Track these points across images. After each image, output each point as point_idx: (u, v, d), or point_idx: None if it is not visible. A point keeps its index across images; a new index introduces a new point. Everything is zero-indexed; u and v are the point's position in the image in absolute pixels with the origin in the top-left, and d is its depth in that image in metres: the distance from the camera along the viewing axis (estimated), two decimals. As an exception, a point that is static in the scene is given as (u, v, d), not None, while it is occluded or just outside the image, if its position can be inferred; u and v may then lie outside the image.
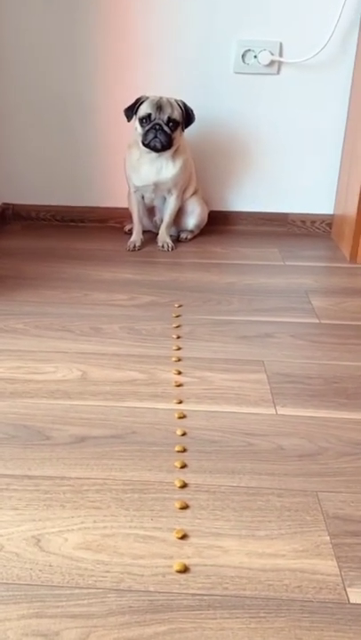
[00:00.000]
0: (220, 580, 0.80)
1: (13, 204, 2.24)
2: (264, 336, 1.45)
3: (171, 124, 1.82)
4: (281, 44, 1.99)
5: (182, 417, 1.14)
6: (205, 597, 0.77)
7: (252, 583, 0.79)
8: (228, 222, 2.23)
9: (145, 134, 1.83)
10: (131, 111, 1.85)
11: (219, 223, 2.21)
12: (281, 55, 2.00)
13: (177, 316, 1.54)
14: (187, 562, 0.82)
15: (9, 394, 1.20)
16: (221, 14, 1.96)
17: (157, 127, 1.81)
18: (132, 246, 2.00)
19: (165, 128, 1.82)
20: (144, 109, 1.83)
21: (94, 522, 0.89)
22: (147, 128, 1.83)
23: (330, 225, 2.20)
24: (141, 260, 1.94)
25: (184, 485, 0.96)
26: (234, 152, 2.14)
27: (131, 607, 0.76)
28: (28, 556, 0.83)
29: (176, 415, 1.14)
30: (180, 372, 1.28)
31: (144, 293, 1.67)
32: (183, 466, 1.00)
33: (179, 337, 1.43)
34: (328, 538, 0.87)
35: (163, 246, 2.00)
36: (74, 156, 2.17)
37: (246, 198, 2.20)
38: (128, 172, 1.96)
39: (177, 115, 1.83)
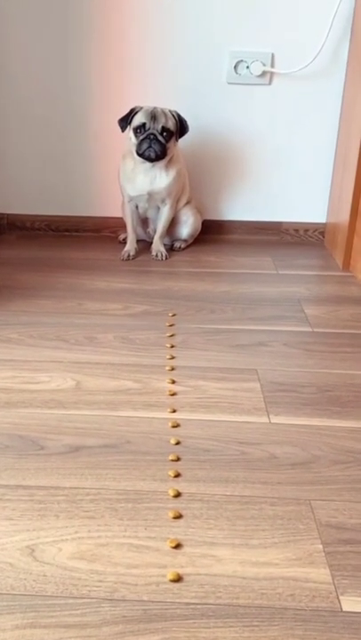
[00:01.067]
0: (213, 589, 0.80)
1: (8, 214, 2.25)
2: (258, 345, 1.46)
3: (165, 133, 1.83)
4: (273, 55, 2.01)
5: (176, 426, 1.14)
6: (199, 606, 0.78)
7: (245, 592, 0.80)
8: (222, 231, 2.24)
9: (139, 144, 1.85)
10: (125, 121, 1.87)
11: (212, 232, 2.22)
12: (273, 66, 2.02)
13: (171, 325, 1.54)
14: (180, 571, 0.83)
15: (3, 403, 1.20)
16: (214, 25, 1.98)
17: (152, 137, 1.83)
18: (126, 256, 2.01)
19: (160, 137, 1.83)
20: (138, 119, 1.84)
21: (88, 531, 0.89)
22: (141, 138, 1.84)
23: (323, 233, 2.21)
24: (135, 269, 1.94)
25: (178, 495, 0.97)
26: (227, 162, 2.15)
27: (125, 617, 0.76)
28: (22, 566, 0.83)
29: (170, 424, 1.14)
30: (173, 381, 1.29)
31: (138, 303, 1.68)
32: (177, 475, 1.01)
33: (173, 346, 1.44)
34: (321, 546, 0.87)
35: (157, 255, 2.01)
36: (68, 166, 2.18)
37: (240, 207, 2.22)
38: (122, 182, 1.97)
39: (171, 124, 1.84)
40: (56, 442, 1.09)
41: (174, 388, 1.27)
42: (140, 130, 1.84)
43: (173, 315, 1.61)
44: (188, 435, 1.12)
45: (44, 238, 2.22)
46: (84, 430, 1.12)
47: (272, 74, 2.03)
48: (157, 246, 2.03)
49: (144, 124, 1.83)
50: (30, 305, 1.65)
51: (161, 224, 2.01)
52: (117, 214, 2.15)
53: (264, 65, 2.01)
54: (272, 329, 1.54)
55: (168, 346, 1.44)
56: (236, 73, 2.03)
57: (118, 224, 2.17)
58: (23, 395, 1.23)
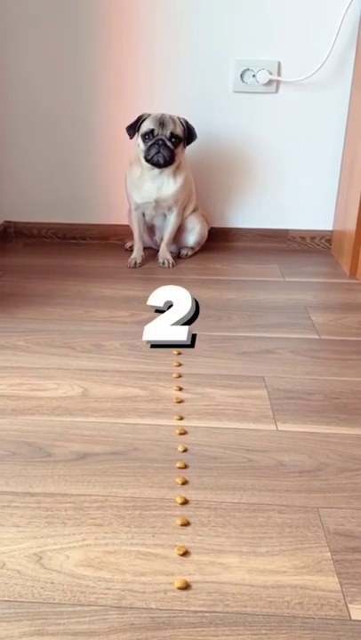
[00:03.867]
0: (221, 596, 0.80)
1: (15, 222, 2.26)
2: (264, 352, 1.46)
3: (173, 139, 1.85)
4: (279, 64, 2.02)
5: (183, 433, 1.14)
6: (207, 614, 0.77)
7: (253, 600, 0.79)
8: (229, 239, 2.24)
9: (148, 150, 1.86)
10: (133, 129, 1.88)
11: (219, 240, 2.22)
12: (279, 74, 2.03)
13: (178, 333, 1.55)
14: (188, 579, 0.82)
15: (10, 410, 1.20)
16: (221, 34, 1.99)
17: (160, 142, 1.84)
18: (132, 263, 2.01)
19: (168, 143, 1.84)
20: (147, 125, 1.85)
21: (96, 539, 0.89)
22: (149, 144, 1.85)
23: (329, 241, 2.21)
24: (142, 276, 1.95)
25: (185, 502, 0.96)
26: (234, 170, 2.16)
27: (132, 624, 0.76)
28: (30, 573, 0.83)
29: (177, 431, 1.14)
30: (180, 389, 1.29)
31: (145, 310, 1.68)
32: (184, 482, 1.01)
33: (179, 353, 1.44)
34: (329, 554, 0.87)
35: (163, 263, 2.02)
36: (75, 173, 2.19)
37: (246, 215, 2.22)
38: (129, 190, 1.98)
39: (179, 131, 1.86)
40: (63, 449, 1.09)
41: (181, 395, 1.27)
42: (148, 136, 1.85)
43: (180, 322, 1.61)
44: (196, 442, 1.12)
45: (51, 246, 2.23)
46: (91, 437, 1.12)
47: (279, 82, 2.04)
48: (164, 254, 2.03)
49: (152, 131, 1.84)
50: (37, 312, 1.66)
51: (168, 232, 2.02)
52: (124, 222, 2.16)
53: (271, 73, 2.02)
54: (279, 336, 1.54)
55: (175, 353, 1.44)
56: (243, 81, 2.04)
57: (125, 232, 2.18)
58: (30, 402, 1.24)
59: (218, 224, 2.22)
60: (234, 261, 2.08)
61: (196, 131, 1.90)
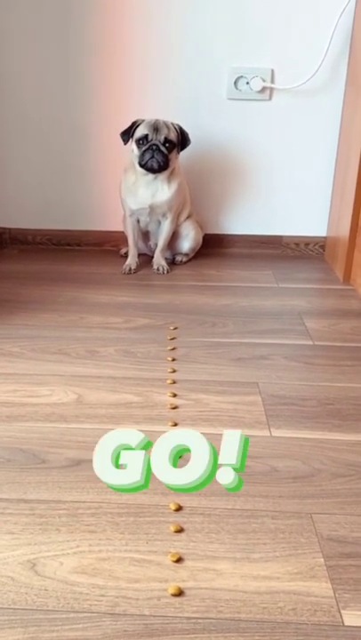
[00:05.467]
0: (214, 603, 0.80)
1: (10, 229, 2.26)
2: (258, 358, 1.46)
3: (167, 144, 1.86)
4: (273, 71, 2.03)
5: (177, 439, 1.14)
6: (200, 621, 0.77)
7: (246, 606, 0.80)
8: (223, 245, 2.25)
9: (142, 155, 1.87)
10: (127, 134, 1.89)
11: (213, 246, 2.23)
12: (273, 82, 2.04)
13: (172, 339, 1.55)
14: (182, 585, 0.82)
15: (5, 417, 1.20)
16: (214, 42, 2.00)
17: (154, 147, 1.85)
18: (127, 269, 2.02)
19: (162, 148, 1.85)
20: (141, 131, 1.86)
21: (90, 545, 0.89)
22: (143, 149, 1.86)
23: (323, 247, 2.22)
24: (137, 282, 1.95)
25: (179, 508, 0.96)
26: (228, 176, 2.17)
27: (126, 631, 0.76)
28: (24, 580, 0.83)
29: (171, 438, 1.14)
30: (175, 395, 1.29)
31: (139, 316, 1.69)
32: (178, 488, 1.01)
33: (174, 359, 1.44)
34: (322, 560, 0.87)
35: (158, 269, 2.02)
36: (69, 179, 2.20)
37: (241, 221, 2.23)
38: (124, 196, 1.99)
39: (173, 136, 1.87)
40: (57, 455, 1.09)
41: (175, 401, 1.27)
42: (142, 141, 1.86)
43: (175, 328, 1.61)
44: (190, 448, 1.12)
45: (46, 252, 2.23)
46: (85, 444, 1.12)
47: (272, 89, 2.05)
48: (159, 260, 2.04)
49: (146, 136, 1.85)
50: (32, 319, 1.66)
51: (162, 238, 2.02)
52: (119, 228, 2.16)
53: (264, 81, 2.03)
54: (273, 342, 1.54)
55: (169, 359, 1.44)
56: (237, 89, 2.05)
57: (120, 238, 2.19)
58: (24, 408, 1.24)
59: (212, 230, 2.23)
60: (228, 267, 2.09)
61: (191, 137, 1.91)
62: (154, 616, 0.78)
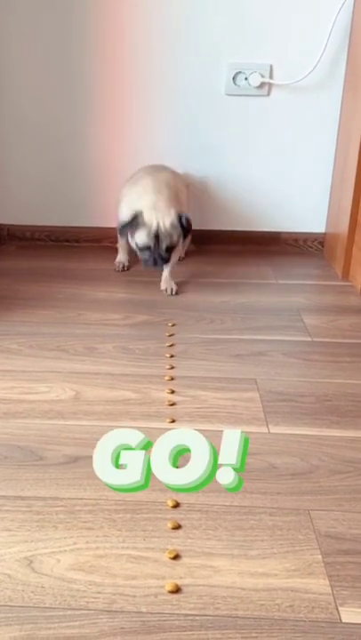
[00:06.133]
0: (212, 600, 0.80)
1: (8, 225, 2.26)
2: (257, 354, 1.46)
3: (169, 251, 1.78)
4: (271, 67, 2.02)
5: (175, 436, 1.14)
6: (197, 618, 0.77)
7: (244, 603, 0.79)
8: (222, 241, 2.24)
9: (144, 259, 1.79)
10: (126, 228, 1.77)
11: (212, 242, 2.22)
12: (271, 77, 2.03)
13: (170, 335, 1.55)
14: (179, 582, 0.82)
15: (2, 414, 1.20)
16: (213, 37, 1.99)
17: (157, 255, 1.76)
18: (120, 267, 2.01)
19: (164, 255, 1.77)
20: (142, 240, 1.75)
21: (87, 542, 0.89)
22: (145, 256, 1.78)
23: (322, 243, 2.22)
24: (135, 279, 1.95)
25: (176, 505, 0.96)
26: (226, 172, 2.16)
27: (123, 628, 0.76)
28: (20, 577, 0.83)
29: (169, 434, 1.14)
30: (173, 391, 1.29)
31: (138, 313, 1.68)
32: (176, 485, 1.01)
33: (172, 356, 1.44)
34: (320, 557, 0.87)
35: (166, 290, 1.88)
36: (68, 176, 2.19)
37: (239, 218, 2.22)
38: (123, 217, 1.84)
39: (175, 240, 1.77)
40: (55, 452, 1.09)
41: (173, 398, 1.27)
42: (143, 249, 1.77)
43: (173, 325, 1.61)
44: (187, 445, 1.12)
45: (44, 249, 2.22)
46: (83, 441, 1.12)
47: (271, 85, 2.04)
48: (169, 282, 1.90)
49: (148, 247, 1.76)
50: (30, 315, 1.65)
51: (170, 265, 1.89)
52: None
53: (263, 76, 2.02)
54: (271, 338, 1.54)
55: (168, 356, 1.44)
56: (235, 84, 2.04)
57: (118, 234, 2.18)
58: (22, 405, 1.23)
59: (210, 227, 2.22)
60: (227, 264, 2.08)
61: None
62: (151, 613, 0.78)
